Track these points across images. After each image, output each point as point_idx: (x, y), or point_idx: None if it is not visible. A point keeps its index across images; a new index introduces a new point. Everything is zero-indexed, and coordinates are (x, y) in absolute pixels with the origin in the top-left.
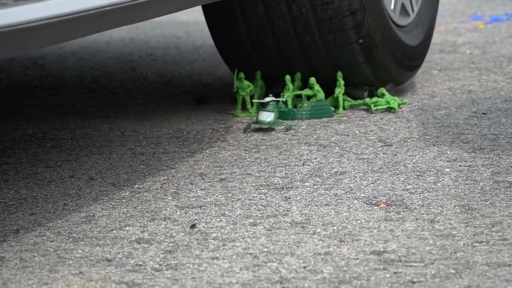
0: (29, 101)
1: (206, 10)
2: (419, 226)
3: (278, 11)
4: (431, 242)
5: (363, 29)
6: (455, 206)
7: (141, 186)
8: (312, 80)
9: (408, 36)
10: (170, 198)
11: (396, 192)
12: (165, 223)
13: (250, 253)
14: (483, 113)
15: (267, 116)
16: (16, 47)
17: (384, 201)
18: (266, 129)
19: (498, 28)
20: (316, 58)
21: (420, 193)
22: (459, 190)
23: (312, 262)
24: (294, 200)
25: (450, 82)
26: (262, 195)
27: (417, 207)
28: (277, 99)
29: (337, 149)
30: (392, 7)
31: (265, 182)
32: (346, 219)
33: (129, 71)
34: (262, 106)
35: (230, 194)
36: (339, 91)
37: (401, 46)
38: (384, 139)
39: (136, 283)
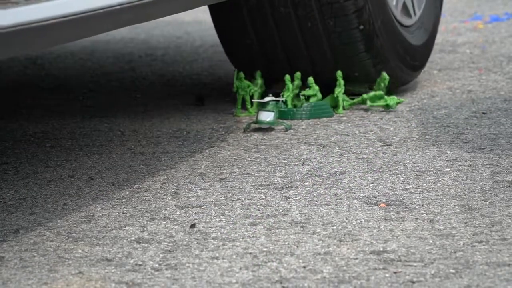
0: (28, 100)
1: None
2: (418, 225)
3: None
4: (431, 241)
5: (364, 15)
6: (454, 205)
7: (140, 186)
8: (311, 80)
9: (411, 36)
10: (169, 198)
11: (395, 192)
12: (164, 222)
13: (250, 253)
14: (483, 113)
15: (266, 116)
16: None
17: (383, 200)
18: (266, 129)
19: (498, 27)
20: (316, 43)
21: (419, 193)
22: (458, 190)
23: (312, 262)
24: (294, 199)
25: (450, 81)
26: (262, 195)
27: (416, 207)
28: (277, 98)
29: (337, 148)
30: (394, 2)
31: (264, 181)
32: (346, 218)
33: (128, 71)
34: (262, 106)
35: (230, 194)
36: (339, 91)
37: (403, 44)
38: (383, 138)
39: (136, 282)
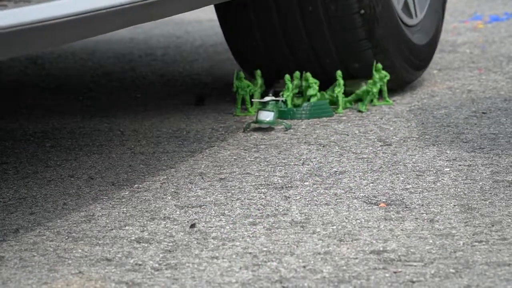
0: (28, 100)
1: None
2: (418, 225)
3: None
4: (431, 241)
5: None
6: (454, 205)
7: (140, 185)
8: (311, 79)
9: (414, 36)
10: (169, 198)
11: (395, 192)
12: (164, 222)
13: (250, 253)
14: (483, 113)
15: (266, 116)
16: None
17: (383, 200)
18: (266, 128)
19: (498, 27)
20: (318, 31)
21: (419, 193)
22: (458, 190)
23: (312, 262)
24: (294, 199)
25: (449, 81)
26: (262, 195)
27: (416, 207)
28: (277, 98)
29: (337, 148)
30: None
31: (264, 181)
32: (346, 218)
33: (128, 71)
34: (262, 106)
35: (230, 194)
36: (339, 90)
37: (407, 42)
38: (383, 138)
39: (136, 282)
